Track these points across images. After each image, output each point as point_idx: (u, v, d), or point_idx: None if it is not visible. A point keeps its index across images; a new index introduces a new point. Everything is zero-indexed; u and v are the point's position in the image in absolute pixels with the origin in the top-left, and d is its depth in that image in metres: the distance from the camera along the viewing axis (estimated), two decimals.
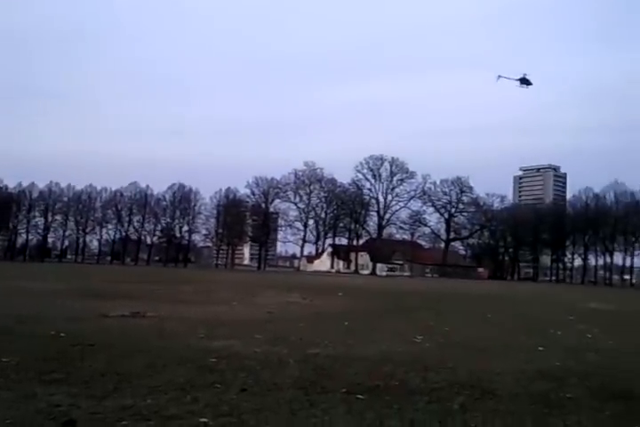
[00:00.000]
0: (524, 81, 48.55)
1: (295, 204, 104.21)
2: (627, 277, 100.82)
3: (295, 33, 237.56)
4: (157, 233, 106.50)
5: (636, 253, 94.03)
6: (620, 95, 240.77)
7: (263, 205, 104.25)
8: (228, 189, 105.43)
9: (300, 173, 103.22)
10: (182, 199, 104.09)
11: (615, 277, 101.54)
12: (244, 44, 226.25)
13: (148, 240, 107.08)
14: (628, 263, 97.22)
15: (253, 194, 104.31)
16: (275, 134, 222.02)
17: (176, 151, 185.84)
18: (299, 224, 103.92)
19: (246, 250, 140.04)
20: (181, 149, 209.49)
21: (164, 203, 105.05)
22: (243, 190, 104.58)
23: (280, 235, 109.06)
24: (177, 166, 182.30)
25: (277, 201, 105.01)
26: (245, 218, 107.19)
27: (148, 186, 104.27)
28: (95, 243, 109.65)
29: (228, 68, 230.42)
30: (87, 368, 7.11)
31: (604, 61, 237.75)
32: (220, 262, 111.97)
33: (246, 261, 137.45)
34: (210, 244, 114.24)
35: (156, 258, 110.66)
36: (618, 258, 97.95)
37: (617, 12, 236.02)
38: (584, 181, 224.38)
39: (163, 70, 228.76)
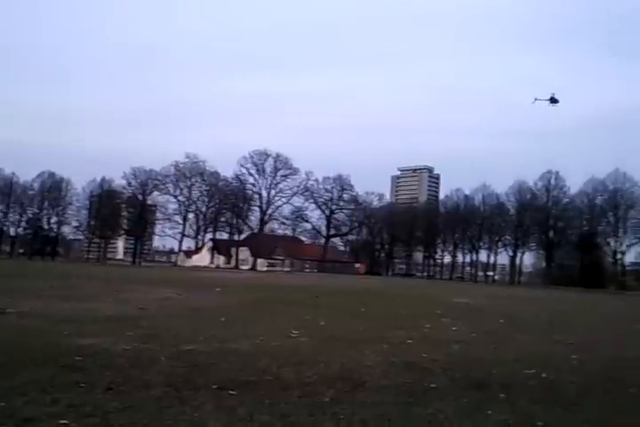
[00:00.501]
0: (553, 100, 51.96)
1: (175, 197, 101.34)
2: (490, 273, 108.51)
3: (181, 23, 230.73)
4: (23, 224, 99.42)
5: (499, 251, 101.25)
6: (492, 102, 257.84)
7: (140, 197, 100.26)
8: (103, 179, 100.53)
9: (182, 165, 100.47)
10: (52, 188, 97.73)
11: (480, 273, 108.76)
12: (126, 32, 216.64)
13: (12, 232, 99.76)
14: (492, 261, 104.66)
15: (130, 185, 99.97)
16: (157, 125, 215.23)
17: (47, 137, 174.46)
18: (178, 218, 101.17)
19: (120, 244, 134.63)
20: (53, 135, 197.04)
21: (32, 192, 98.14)
22: (119, 181, 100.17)
23: (158, 228, 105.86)
24: (47, 153, 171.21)
25: (156, 193, 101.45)
26: (120, 210, 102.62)
27: (13, 173, 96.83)
28: None
29: (108, 55, 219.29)
30: None
31: (479, 65, 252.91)
32: (91, 256, 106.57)
33: (120, 256, 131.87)
34: (81, 236, 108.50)
35: (21, 251, 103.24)
36: (483, 256, 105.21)
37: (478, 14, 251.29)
38: (456, 182, 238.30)
39: (42, 55, 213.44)
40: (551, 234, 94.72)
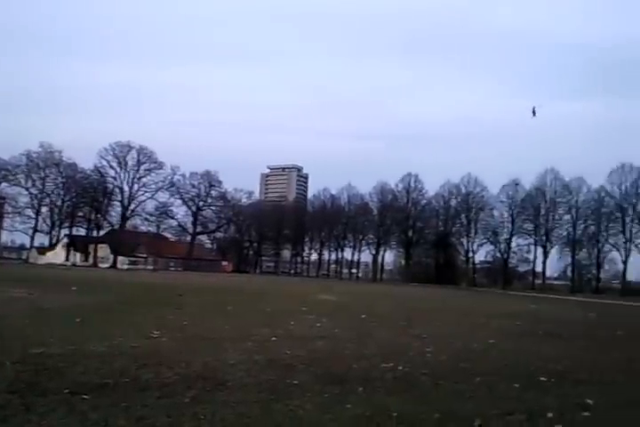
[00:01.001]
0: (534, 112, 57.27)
1: (27, 189, 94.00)
2: (354, 270, 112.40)
3: (37, 4, 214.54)
4: None
5: (363, 249, 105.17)
6: (357, 106, 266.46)
7: None
8: None
9: (35, 155, 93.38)
10: None
11: (345, 270, 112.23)
12: None
13: None
14: (356, 259, 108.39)
15: None
16: (5, 111, 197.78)
17: None
18: (30, 212, 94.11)
19: None
20: None
21: None
22: None
23: (6, 223, 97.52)
24: None
25: (4, 185, 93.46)
26: None
27: None
28: None
29: None
30: None
31: (352, 70, 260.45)
32: None
33: None
34: None
35: None
36: (348, 253, 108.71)
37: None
38: (324, 182, 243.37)
39: None
40: (410, 233, 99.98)
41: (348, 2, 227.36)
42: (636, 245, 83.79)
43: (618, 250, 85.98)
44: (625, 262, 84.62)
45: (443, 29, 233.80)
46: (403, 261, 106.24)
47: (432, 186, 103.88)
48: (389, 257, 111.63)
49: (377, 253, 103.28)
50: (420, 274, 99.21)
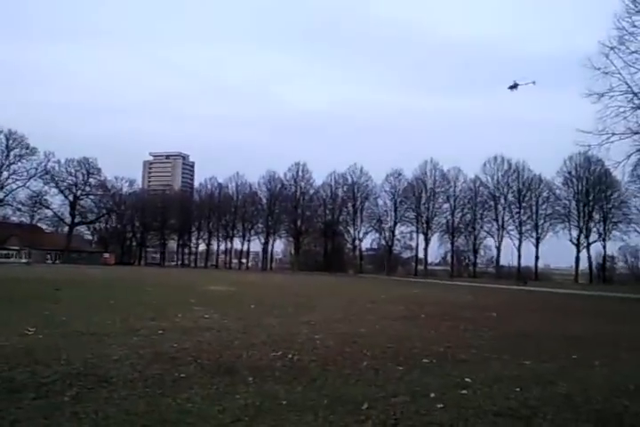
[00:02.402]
0: (514, 86, 57.65)
1: None
2: (244, 260, 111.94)
3: None
4: None
5: (252, 238, 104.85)
6: (242, 93, 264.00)
7: None
8: None
9: None
10: None
11: (234, 260, 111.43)
12: None
13: None
14: (245, 248, 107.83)
15: None
16: None
17: None
18: None
19: None
20: None
21: None
22: None
23: None
24: None
25: None
26: None
27: None
28: None
29: None
30: None
31: (238, 55, 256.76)
32: None
33: None
34: None
35: None
36: (237, 243, 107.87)
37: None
38: (211, 170, 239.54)
39: None
40: (299, 222, 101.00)
41: None
42: (507, 232, 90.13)
43: (492, 236, 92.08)
44: (498, 248, 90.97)
45: (326, 21, 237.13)
46: (292, 250, 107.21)
47: (319, 175, 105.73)
48: (279, 246, 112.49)
49: (267, 242, 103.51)
50: (309, 262, 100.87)
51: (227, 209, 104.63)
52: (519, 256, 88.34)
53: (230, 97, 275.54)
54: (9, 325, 10.83)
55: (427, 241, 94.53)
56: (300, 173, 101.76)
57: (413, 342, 10.45)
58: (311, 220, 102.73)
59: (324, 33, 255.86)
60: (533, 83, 59.87)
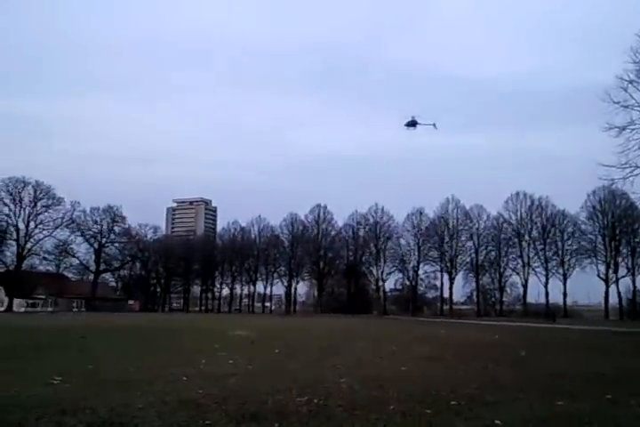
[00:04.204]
0: (413, 124, 55.52)
1: None
2: (267, 304, 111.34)
3: None
4: None
5: (275, 281, 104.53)
6: (261, 138, 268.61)
7: None
8: None
9: None
10: None
11: (258, 304, 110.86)
12: None
13: None
14: (268, 292, 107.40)
15: None
16: None
17: None
18: None
19: None
20: None
21: None
22: None
23: None
24: None
25: None
26: None
27: None
28: None
29: None
30: None
31: (257, 102, 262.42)
32: None
33: None
34: None
35: None
36: (260, 287, 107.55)
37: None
38: (233, 214, 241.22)
39: None
40: (322, 264, 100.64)
41: (249, 37, 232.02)
42: (533, 269, 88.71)
43: (518, 274, 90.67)
44: (525, 286, 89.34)
45: (341, 64, 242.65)
46: (315, 292, 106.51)
47: (341, 216, 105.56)
48: (302, 288, 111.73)
49: (289, 285, 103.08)
50: (332, 304, 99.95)
51: (249, 252, 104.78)
52: (546, 293, 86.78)
53: (247, 142, 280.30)
54: (35, 374, 10.88)
55: (451, 280, 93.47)
56: (322, 215, 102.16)
57: (441, 383, 10.24)
58: (333, 261, 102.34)
59: (335, 78, 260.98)
60: (434, 125, 58.65)
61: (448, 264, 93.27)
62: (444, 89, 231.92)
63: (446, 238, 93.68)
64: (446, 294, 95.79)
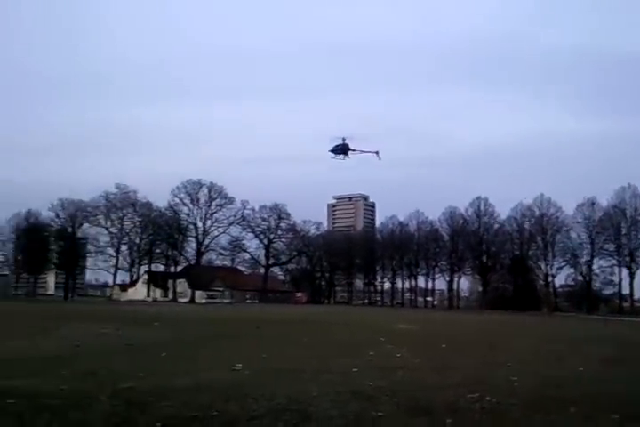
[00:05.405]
0: (344, 152, 56.69)
1: (106, 228, 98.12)
2: (429, 298, 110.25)
3: (108, 48, 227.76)
4: None
5: (437, 276, 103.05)
6: (416, 131, 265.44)
7: (70, 230, 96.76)
8: (29, 211, 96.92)
9: (112, 196, 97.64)
10: None
11: (419, 298, 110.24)
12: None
13: None
14: (430, 286, 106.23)
15: (58, 217, 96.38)
16: (83, 155, 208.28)
17: None
18: (110, 250, 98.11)
19: (51, 278, 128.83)
20: None
21: None
22: (46, 213, 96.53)
23: (90, 262, 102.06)
24: None
25: (86, 225, 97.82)
26: (49, 243, 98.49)
27: None
28: None
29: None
30: None
31: (408, 96, 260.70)
32: (19, 292, 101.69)
33: (51, 291, 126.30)
34: (7, 272, 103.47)
35: None
36: (421, 281, 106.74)
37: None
38: (391, 209, 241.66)
39: None
40: (484, 258, 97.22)
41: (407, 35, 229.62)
42: None
43: None
44: None
45: (498, 53, 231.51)
46: (479, 288, 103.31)
47: (503, 209, 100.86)
48: (465, 284, 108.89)
49: (451, 279, 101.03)
50: (498, 300, 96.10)
51: (409, 247, 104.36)
52: None
53: (404, 136, 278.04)
54: (219, 361, 11.82)
55: (631, 275, 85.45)
56: (482, 208, 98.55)
57: (628, 386, 9.46)
58: (497, 255, 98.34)
59: (496, 66, 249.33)
60: (377, 153, 53.11)
61: (627, 258, 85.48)
62: (609, 74, 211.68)
63: (624, 230, 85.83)
64: (626, 291, 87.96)
